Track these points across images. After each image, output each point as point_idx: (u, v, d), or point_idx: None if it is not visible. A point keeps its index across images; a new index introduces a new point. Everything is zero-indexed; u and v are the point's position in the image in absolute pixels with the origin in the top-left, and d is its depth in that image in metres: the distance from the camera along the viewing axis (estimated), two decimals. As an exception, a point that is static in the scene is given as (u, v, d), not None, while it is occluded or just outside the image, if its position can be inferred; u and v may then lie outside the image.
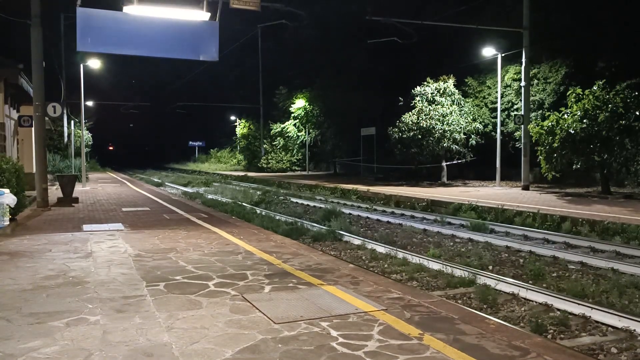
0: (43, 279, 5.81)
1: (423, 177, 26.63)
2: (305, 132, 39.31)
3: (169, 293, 5.22)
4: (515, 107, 23.25)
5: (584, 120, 16.34)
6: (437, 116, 23.38)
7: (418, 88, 24.71)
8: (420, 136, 23.49)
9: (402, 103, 25.64)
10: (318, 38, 37.42)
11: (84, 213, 12.61)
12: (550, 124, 17.24)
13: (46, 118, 18.06)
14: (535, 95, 22.32)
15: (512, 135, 23.18)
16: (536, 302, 6.41)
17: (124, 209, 13.42)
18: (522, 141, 20.49)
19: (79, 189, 19.23)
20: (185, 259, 6.94)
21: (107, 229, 9.73)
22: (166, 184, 31.92)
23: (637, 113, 15.81)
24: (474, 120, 24.36)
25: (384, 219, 14.27)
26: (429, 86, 24.45)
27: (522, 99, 20.73)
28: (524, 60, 20.22)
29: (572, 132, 16.45)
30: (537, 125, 17.94)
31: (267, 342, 3.86)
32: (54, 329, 4.15)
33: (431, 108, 23.72)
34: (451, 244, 10.60)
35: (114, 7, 10.43)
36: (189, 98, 56.66)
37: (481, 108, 25.38)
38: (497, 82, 22.36)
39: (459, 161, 24.62)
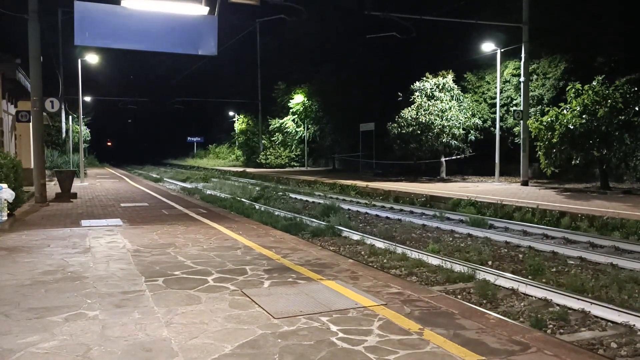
0: (41, 274, 5.79)
1: (422, 173, 26.61)
2: (304, 127, 39.23)
3: (168, 288, 5.20)
4: (514, 102, 23.22)
5: (583, 116, 16.32)
6: (436, 111, 23.34)
7: (417, 83, 24.65)
8: (419, 132, 23.46)
9: (401, 98, 25.58)
10: (317, 33, 37.30)
11: (82, 208, 12.58)
12: (549, 119, 17.21)
13: (44, 113, 18.00)
14: (535, 90, 22.28)
15: (511, 130, 23.14)
16: (536, 297, 6.41)
17: (122, 205, 13.39)
18: (521, 136, 20.47)
19: (77, 185, 19.18)
20: (184, 254, 6.92)
21: (106, 225, 9.71)
22: (165, 179, 31.87)
23: (637, 108, 15.79)
24: (473, 115, 24.32)
25: (383, 214, 14.26)
26: (428, 81, 24.39)
27: (522, 95, 20.70)
28: (523, 55, 20.18)
29: (572, 127, 16.42)
30: (537, 121, 17.89)
31: (266, 337, 3.84)
32: (53, 324, 4.14)
33: (430, 103, 23.68)
34: (450, 239, 10.59)
35: (112, 1, 10.36)
36: (187, 93, 56.60)
37: (480, 103, 25.35)
38: (496, 77, 22.33)
39: (458, 157, 24.59)
